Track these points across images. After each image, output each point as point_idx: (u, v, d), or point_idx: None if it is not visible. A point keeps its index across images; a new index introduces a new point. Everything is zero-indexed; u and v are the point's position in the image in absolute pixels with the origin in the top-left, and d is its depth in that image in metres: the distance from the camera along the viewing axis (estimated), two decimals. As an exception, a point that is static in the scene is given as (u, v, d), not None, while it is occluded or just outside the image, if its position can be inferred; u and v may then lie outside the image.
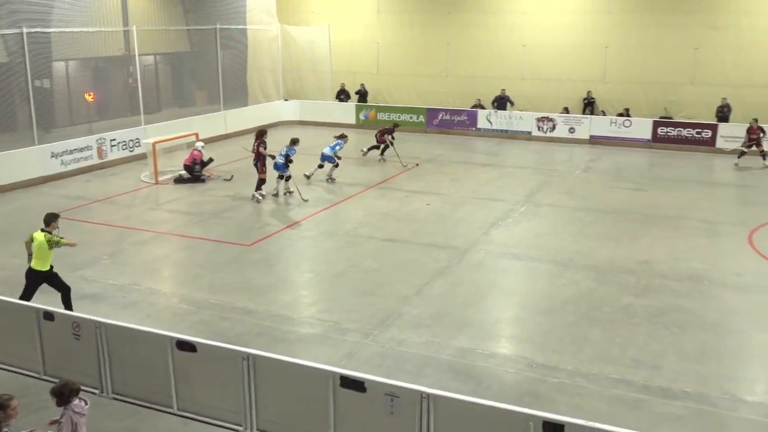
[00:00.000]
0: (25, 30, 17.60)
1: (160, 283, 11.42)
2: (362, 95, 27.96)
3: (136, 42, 21.13)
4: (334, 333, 9.54)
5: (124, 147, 20.32)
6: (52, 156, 18.21)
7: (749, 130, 20.62)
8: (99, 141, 19.61)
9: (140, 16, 24.35)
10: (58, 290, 9.59)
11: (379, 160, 20.67)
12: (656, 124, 23.54)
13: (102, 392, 7.83)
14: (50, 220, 9.54)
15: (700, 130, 23.03)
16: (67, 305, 9.58)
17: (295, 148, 16.50)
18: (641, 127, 23.59)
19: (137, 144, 20.43)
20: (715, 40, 23.41)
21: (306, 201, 16.10)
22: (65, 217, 12.33)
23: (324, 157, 17.98)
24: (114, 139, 20.05)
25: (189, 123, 22.06)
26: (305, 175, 17.86)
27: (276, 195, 16.65)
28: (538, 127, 24.76)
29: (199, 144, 18.55)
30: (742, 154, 20.65)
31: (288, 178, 16.55)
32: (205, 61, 25.94)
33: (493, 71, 26.22)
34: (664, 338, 9.42)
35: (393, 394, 6.36)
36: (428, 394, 6.19)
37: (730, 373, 8.54)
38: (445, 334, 9.48)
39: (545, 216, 15.37)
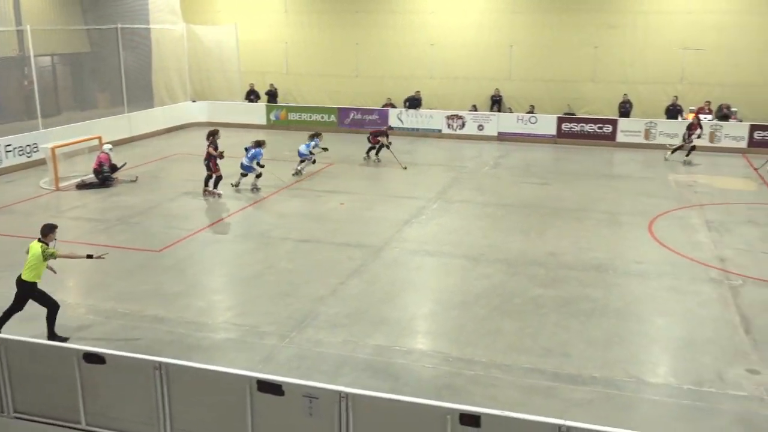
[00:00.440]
0: None
1: (65, 293, 10.92)
2: (272, 95, 27.66)
3: (30, 42, 20.14)
4: (250, 337, 9.41)
5: (20, 152, 19.32)
6: (-60, 164, 17.15)
7: (690, 126, 21.46)
8: (-8, 147, 18.61)
9: (34, 15, 23.27)
10: (45, 306, 9.16)
11: (375, 161, 20.66)
12: (560, 121, 24.40)
13: (3, 412, 7.43)
14: (47, 231, 9.14)
15: (601, 126, 24.02)
16: (51, 323, 9.18)
17: (261, 149, 16.88)
18: (546, 124, 24.39)
19: (35, 149, 19.47)
20: (613, 39, 24.47)
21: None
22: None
23: (301, 155, 18.59)
24: (9, 145, 19.04)
25: (91, 126, 21.18)
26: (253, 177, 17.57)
27: (235, 185, 17.03)
28: (448, 125, 25.20)
29: (107, 146, 17.97)
30: (678, 148, 21.47)
31: (259, 176, 16.95)
32: (106, 61, 24.97)
33: (402, 70, 26.50)
34: (572, 327, 9.78)
35: (311, 395, 6.32)
36: (347, 394, 6.19)
37: (634, 357, 8.95)
38: (362, 332, 9.52)
39: (457, 212, 15.66)
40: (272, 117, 27.03)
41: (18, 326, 8.98)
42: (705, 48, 23.70)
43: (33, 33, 20.25)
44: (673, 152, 21.38)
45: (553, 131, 24.24)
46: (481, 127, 24.72)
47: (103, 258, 9.56)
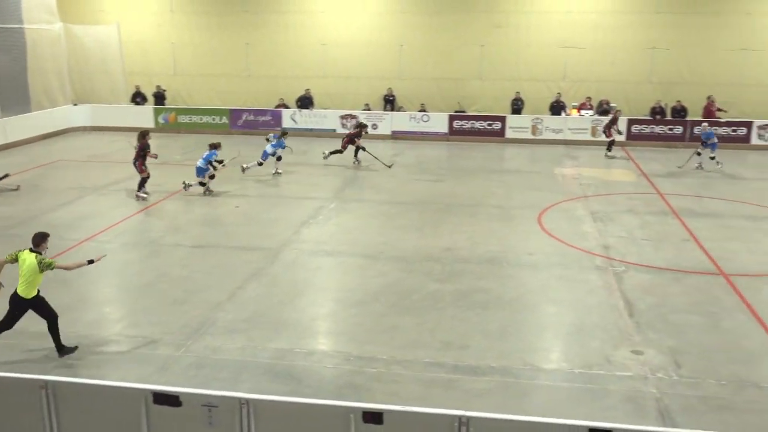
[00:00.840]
0: None
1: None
2: (160, 97, 26.79)
3: None
4: (144, 348, 9.08)
5: None
6: None
7: (613, 121, 22.44)
8: None
9: None
10: (44, 318, 8.68)
11: (354, 163, 20.35)
12: (452, 118, 24.97)
13: None
14: (39, 240, 8.63)
15: (491, 122, 24.77)
16: (55, 335, 8.71)
17: (216, 152, 16.59)
18: (438, 122, 24.90)
19: None
20: (499, 39, 25.29)
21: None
22: None
23: (264, 155, 18.67)
24: None
25: (-40, 133, 19.83)
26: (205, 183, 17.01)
27: (186, 188, 16.73)
28: (342, 125, 25.25)
29: None
30: (610, 145, 22.38)
31: (212, 177, 16.71)
32: (-25, 64, 23.44)
33: (294, 70, 26.32)
34: (470, 319, 10.03)
35: (210, 404, 6.17)
36: (247, 400, 6.08)
37: (529, 346, 9.29)
38: (262, 336, 9.39)
39: (354, 211, 15.72)
40: (161, 120, 26.18)
41: None
42: (584, 46, 24.88)
43: None
44: (609, 149, 22.46)
45: (445, 129, 24.79)
46: (375, 126, 24.90)
47: (102, 259, 9.22)
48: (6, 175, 16.99)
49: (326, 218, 15.04)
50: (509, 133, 24.58)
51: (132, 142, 16.85)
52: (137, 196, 16.32)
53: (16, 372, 6.96)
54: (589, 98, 24.89)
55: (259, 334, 9.44)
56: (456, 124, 24.87)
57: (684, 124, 23.95)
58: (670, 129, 24.01)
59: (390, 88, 25.97)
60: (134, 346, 9.15)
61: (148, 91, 26.84)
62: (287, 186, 17.91)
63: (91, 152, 21.76)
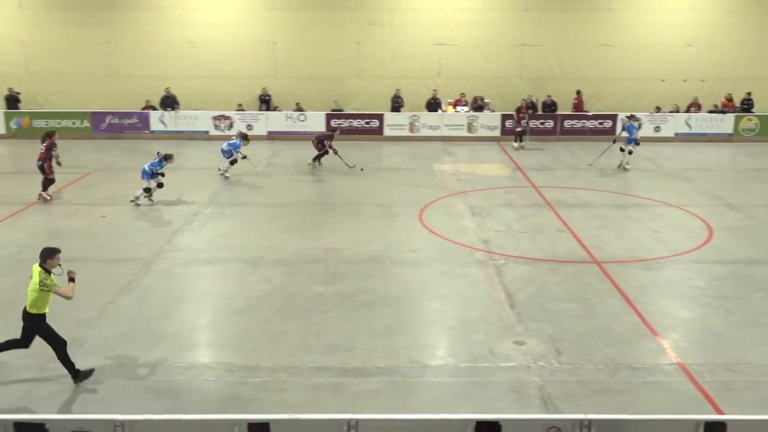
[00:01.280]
0: None
1: None
2: (13, 100, 25.12)
3: None
4: (1, 375, 8.48)
5: None
6: None
7: (518, 110, 23.00)
8: None
9: None
10: (49, 344, 8.11)
11: (312, 166, 19.92)
12: (329, 117, 25.02)
13: None
14: (46, 255, 7.98)
15: (369, 121, 25.04)
16: (66, 362, 8.11)
17: (165, 163, 16.18)
18: (316, 121, 24.87)
19: None
20: (374, 36, 25.61)
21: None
22: None
23: (223, 152, 18.64)
24: None
25: None
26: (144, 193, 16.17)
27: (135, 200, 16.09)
28: (215, 126, 24.73)
29: None
30: (518, 136, 22.84)
31: (158, 184, 16.15)
32: None
33: (161, 70, 25.40)
34: (355, 320, 10.09)
35: (82, 429, 5.86)
36: (122, 422, 5.82)
37: (415, 343, 9.46)
38: (138, 352, 9.02)
39: (231, 216, 15.43)
40: (13, 125, 24.61)
41: None
42: (458, 43, 25.65)
43: None
44: (520, 142, 23.14)
45: (323, 128, 24.77)
46: (250, 127, 24.53)
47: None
48: None
49: (202, 224, 14.67)
50: (387, 131, 24.95)
51: None
52: (40, 196, 16.00)
53: None
54: (463, 94, 25.70)
55: (133, 351, 9.06)
56: (334, 122, 24.93)
57: (555, 118, 25.21)
58: (542, 123, 25.19)
59: (264, 88, 25.66)
60: (-8, 372, 8.54)
61: (-1, 94, 25.16)
62: (158, 192, 17.29)
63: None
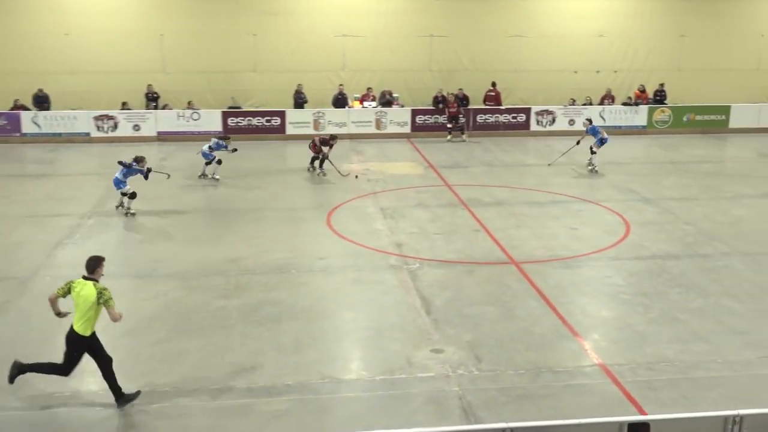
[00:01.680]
0: None
1: None
2: None
3: None
4: None
5: None
6: None
7: (448, 105, 23.10)
8: None
9: None
10: (97, 361, 8.06)
11: (314, 172, 19.52)
12: (225, 115, 24.70)
13: None
14: (95, 265, 8.14)
15: (269, 118, 24.85)
16: (111, 380, 8.06)
17: (136, 165, 15.62)
18: (210, 119, 24.49)
19: None
20: (273, 27, 25.47)
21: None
22: None
23: (205, 155, 18.76)
24: None
25: None
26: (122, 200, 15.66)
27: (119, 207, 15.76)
28: (98, 127, 23.99)
29: None
30: (450, 131, 23.18)
31: (129, 195, 15.59)
32: None
33: (33, 65, 24.41)
34: (261, 335, 9.99)
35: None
36: (-1, 462, 5.58)
37: (327, 357, 9.45)
38: (15, 383, 8.61)
39: (119, 226, 14.99)
40: None
41: None
42: (364, 34, 25.82)
43: None
44: (450, 133, 23.89)
45: (219, 127, 24.43)
46: (137, 128, 23.95)
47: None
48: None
49: (85, 237, 14.18)
50: (290, 129, 24.83)
51: None
52: None
53: None
54: (370, 89, 25.87)
55: (6, 383, 8.64)
56: (231, 121, 24.62)
57: (467, 112, 25.72)
58: (446, 121, 25.63)
59: (151, 84, 25.02)
60: None
61: None
62: (32, 203, 16.59)
63: None
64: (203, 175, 19.09)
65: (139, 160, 15.82)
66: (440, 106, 25.37)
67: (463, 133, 24.85)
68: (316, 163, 19.67)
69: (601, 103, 26.92)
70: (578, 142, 20.37)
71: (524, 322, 10.46)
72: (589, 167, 19.88)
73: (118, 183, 15.57)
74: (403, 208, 16.35)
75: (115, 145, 23.30)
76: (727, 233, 14.60)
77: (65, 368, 8.19)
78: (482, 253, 13.41)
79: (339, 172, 19.34)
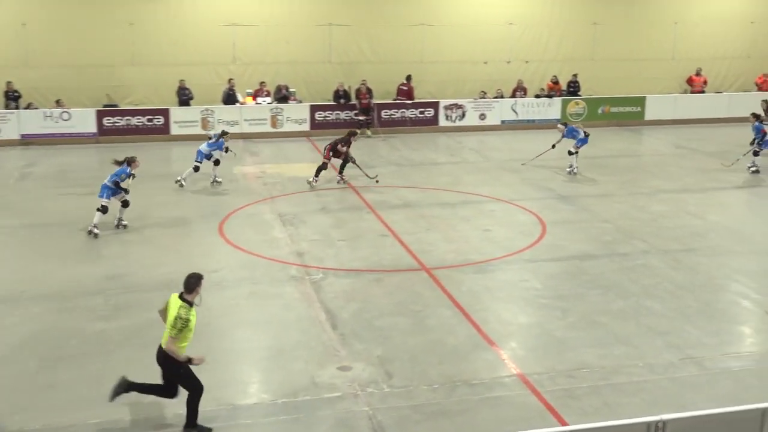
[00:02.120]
0: None
1: None
2: None
3: None
4: None
5: None
6: None
7: (360, 95, 23.02)
8: None
9: None
10: (185, 387, 8.04)
11: (339, 182, 18.69)
12: (100, 114, 24.08)
13: None
14: (194, 284, 7.95)
15: (151, 117, 24.35)
16: (192, 408, 7.94)
17: (128, 168, 15.01)
18: (83, 120, 23.84)
19: None
20: (152, 16, 25.03)
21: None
22: None
23: (199, 155, 18.57)
24: None
25: None
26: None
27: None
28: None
29: None
30: (365, 125, 23.72)
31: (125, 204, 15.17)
32: None
33: None
34: (146, 359, 9.67)
35: None
36: None
37: (222, 381, 9.30)
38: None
39: (-23, 243, 14.38)
40: None
41: None
42: (255, 23, 25.62)
43: None
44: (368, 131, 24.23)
45: (93, 128, 23.81)
46: (-2, 131, 23.00)
47: None
48: None
49: (-62, 256, 13.54)
50: (175, 129, 24.39)
51: None
52: None
53: None
54: (264, 83, 25.66)
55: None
56: (107, 121, 23.99)
57: (374, 107, 25.86)
58: (357, 114, 25.77)
59: (11, 81, 24.05)
60: None
61: None
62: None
63: None
64: (215, 181, 18.76)
65: (130, 161, 15.32)
66: (342, 101, 25.43)
67: (368, 129, 25.03)
68: (323, 172, 18.66)
69: (513, 95, 27.59)
70: (554, 146, 20.57)
71: (437, 333, 10.60)
72: (569, 169, 20.20)
73: (107, 189, 15.01)
74: (304, 213, 16.31)
75: (-29, 150, 22.37)
76: (645, 230, 15.22)
77: (165, 392, 8.28)
78: (391, 259, 13.52)
79: (366, 175, 18.90)
